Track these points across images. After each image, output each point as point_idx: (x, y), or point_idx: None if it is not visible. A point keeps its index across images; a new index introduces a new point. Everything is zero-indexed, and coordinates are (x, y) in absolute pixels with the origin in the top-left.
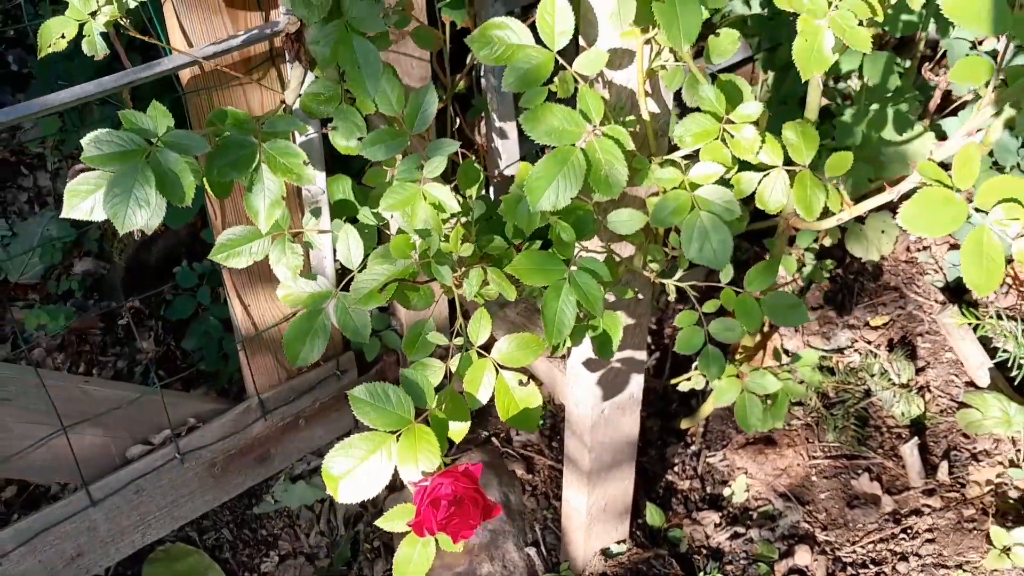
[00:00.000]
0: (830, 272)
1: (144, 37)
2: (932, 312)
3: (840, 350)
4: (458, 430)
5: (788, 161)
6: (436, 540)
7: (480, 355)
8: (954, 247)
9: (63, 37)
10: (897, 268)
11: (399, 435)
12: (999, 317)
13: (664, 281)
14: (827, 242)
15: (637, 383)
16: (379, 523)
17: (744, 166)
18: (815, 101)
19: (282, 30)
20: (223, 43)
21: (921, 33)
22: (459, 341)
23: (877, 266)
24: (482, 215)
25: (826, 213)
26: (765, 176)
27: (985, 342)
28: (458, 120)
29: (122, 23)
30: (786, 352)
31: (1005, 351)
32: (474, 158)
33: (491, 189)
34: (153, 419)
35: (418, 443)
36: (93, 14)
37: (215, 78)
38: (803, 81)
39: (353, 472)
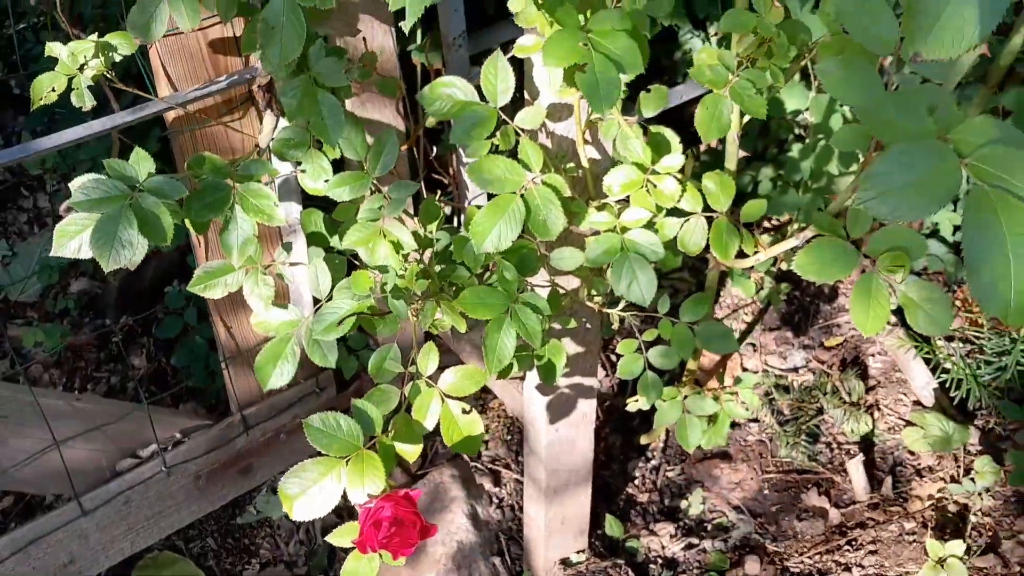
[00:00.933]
0: (787, 295)
1: (129, 89)
2: (883, 333)
3: (795, 369)
4: (411, 451)
5: (708, 208)
6: (380, 555)
7: (429, 385)
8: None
9: (53, 90)
10: (851, 291)
11: (349, 460)
12: (948, 339)
13: (608, 311)
14: (784, 266)
15: (589, 404)
16: (329, 539)
17: (673, 210)
18: (733, 154)
19: (260, 73)
20: (204, 88)
21: None
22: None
23: (833, 288)
24: (447, 244)
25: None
26: (686, 222)
27: (938, 363)
28: (435, 150)
29: (108, 76)
30: (745, 371)
31: (946, 370)
32: (439, 194)
33: (461, 218)
34: (142, 434)
35: (365, 468)
36: (81, 68)
37: (198, 117)
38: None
39: (307, 493)
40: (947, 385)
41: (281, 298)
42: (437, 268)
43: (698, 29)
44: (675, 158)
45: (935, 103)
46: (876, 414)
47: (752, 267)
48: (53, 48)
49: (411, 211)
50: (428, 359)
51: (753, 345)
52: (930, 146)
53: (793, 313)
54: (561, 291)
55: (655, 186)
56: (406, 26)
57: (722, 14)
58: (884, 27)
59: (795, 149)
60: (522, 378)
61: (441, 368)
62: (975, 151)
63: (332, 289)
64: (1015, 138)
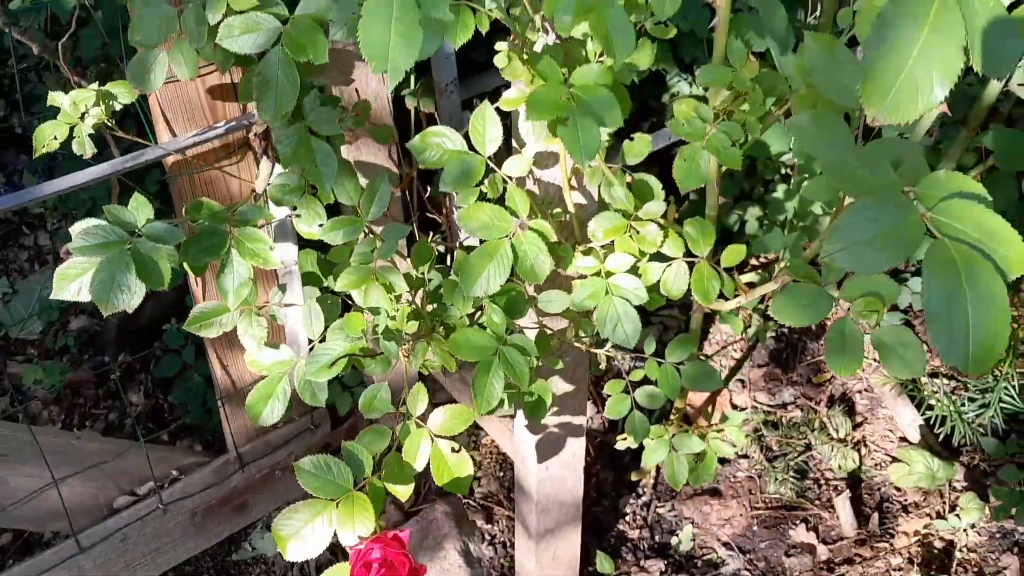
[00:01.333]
0: (775, 332)
1: (128, 137)
2: (868, 370)
3: (784, 405)
4: (402, 491)
5: (690, 252)
6: None
7: (418, 425)
8: (892, 309)
9: (55, 138)
10: None
11: (339, 502)
12: (933, 376)
13: (596, 351)
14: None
15: (579, 443)
16: None
17: (657, 254)
18: (713, 200)
19: (256, 120)
20: (203, 134)
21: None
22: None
23: (820, 326)
24: (439, 284)
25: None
26: (668, 266)
27: (923, 399)
28: (428, 190)
29: (108, 124)
30: (734, 407)
31: (930, 407)
32: (432, 233)
33: (453, 257)
34: (139, 471)
35: (355, 510)
36: (82, 116)
37: (196, 163)
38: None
39: (299, 534)
40: (932, 422)
41: (277, 337)
42: (429, 308)
43: (685, 72)
44: (657, 204)
45: (901, 156)
46: (863, 450)
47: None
48: (55, 97)
49: (405, 251)
50: (417, 400)
51: (742, 381)
52: (893, 200)
53: (781, 350)
54: (549, 332)
55: (638, 231)
56: (388, 87)
57: (708, 57)
58: (853, 82)
59: (780, 190)
60: (512, 416)
61: (434, 404)
62: (937, 204)
63: (325, 329)
64: (976, 192)
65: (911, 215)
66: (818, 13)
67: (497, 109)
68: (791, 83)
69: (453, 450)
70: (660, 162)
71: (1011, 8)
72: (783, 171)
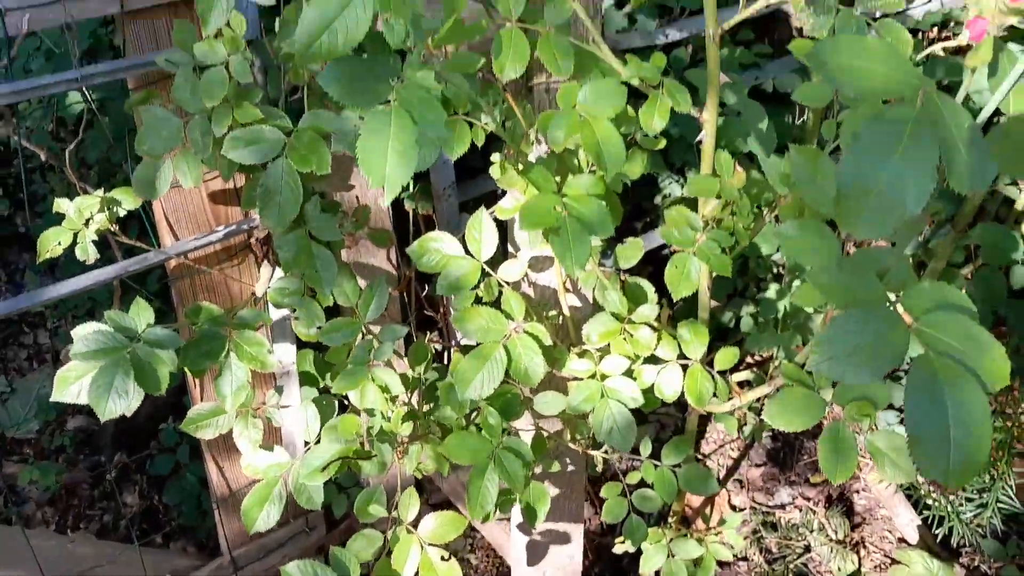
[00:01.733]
0: (771, 431)
1: (131, 242)
2: (865, 470)
3: (782, 506)
4: None
5: (684, 355)
6: None
7: (409, 531)
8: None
9: (59, 244)
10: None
11: None
12: None
13: (592, 453)
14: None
15: (576, 547)
16: None
17: (650, 356)
18: (705, 303)
19: (257, 225)
20: (204, 237)
21: None
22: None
23: (818, 424)
24: (435, 381)
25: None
26: (662, 369)
27: (920, 499)
28: (426, 288)
29: (112, 229)
30: (733, 508)
31: (928, 506)
32: (430, 332)
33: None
34: (133, 575)
35: None
36: (86, 223)
37: (198, 267)
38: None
39: None
40: (930, 521)
41: (273, 438)
42: (425, 407)
43: (676, 174)
44: (650, 308)
45: (887, 265)
46: (862, 551)
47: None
48: (61, 204)
49: (402, 350)
50: (409, 505)
51: (740, 481)
52: (878, 312)
53: (779, 449)
54: (545, 434)
55: (632, 335)
56: (385, 201)
57: (698, 160)
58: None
59: (772, 289)
60: (508, 518)
61: (432, 505)
62: (923, 316)
63: (321, 430)
64: (962, 305)
65: (896, 327)
66: (805, 116)
67: (493, 216)
68: (777, 188)
69: (443, 558)
70: (653, 261)
71: (986, 130)
72: (775, 270)
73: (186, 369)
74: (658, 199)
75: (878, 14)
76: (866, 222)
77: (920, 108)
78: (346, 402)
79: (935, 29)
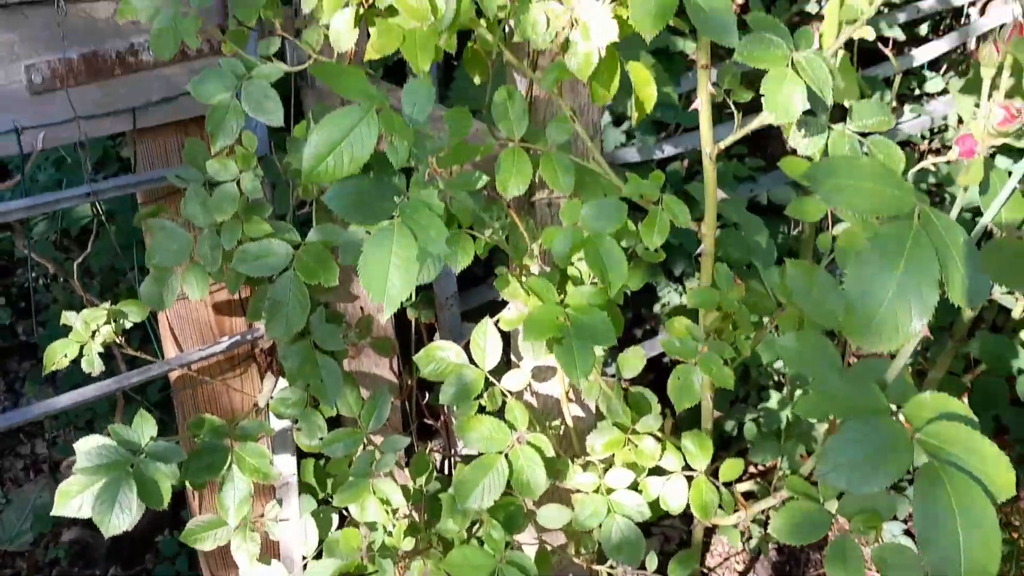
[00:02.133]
0: (777, 543)
1: (136, 353)
2: None
3: None
4: None
5: (688, 466)
6: None
7: None
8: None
9: (65, 356)
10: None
11: None
12: None
13: (597, 568)
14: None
15: None
16: None
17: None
18: (708, 413)
19: (261, 335)
20: (208, 348)
21: None
22: None
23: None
24: (437, 491)
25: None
26: (667, 481)
27: None
28: (427, 396)
29: (118, 341)
30: None
31: None
32: (430, 441)
33: (451, 463)
34: None
35: None
36: (93, 335)
37: (200, 378)
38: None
39: None
40: None
41: (271, 551)
42: (426, 518)
43: (676, 283)
44: (654, 418)
45: (887, 376)
46: None
47: None
48: (68, 317)
49: (403, 460)
50: None
51: None
52: (881, 423)
53: (784, 562)
54: (549, 548)
55: (636, 445)
56: (384, 316)
57: (697, 269)
58: (834, 306)
59: (774, 398)
60: None
61: None
62: (925, 426)
63: (320, 544)
64: (962, 414)
65: (900, 437)
66: (800, 228)
67: (497, 325)
68: (776, 298)
69: None
70: (654, 368)
71: (978, 244)
72: (776, 378)
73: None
74: (657, 307)
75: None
76: (875, 336)
77: (918, 224)
78: (345, 513)
79: (925, 142)
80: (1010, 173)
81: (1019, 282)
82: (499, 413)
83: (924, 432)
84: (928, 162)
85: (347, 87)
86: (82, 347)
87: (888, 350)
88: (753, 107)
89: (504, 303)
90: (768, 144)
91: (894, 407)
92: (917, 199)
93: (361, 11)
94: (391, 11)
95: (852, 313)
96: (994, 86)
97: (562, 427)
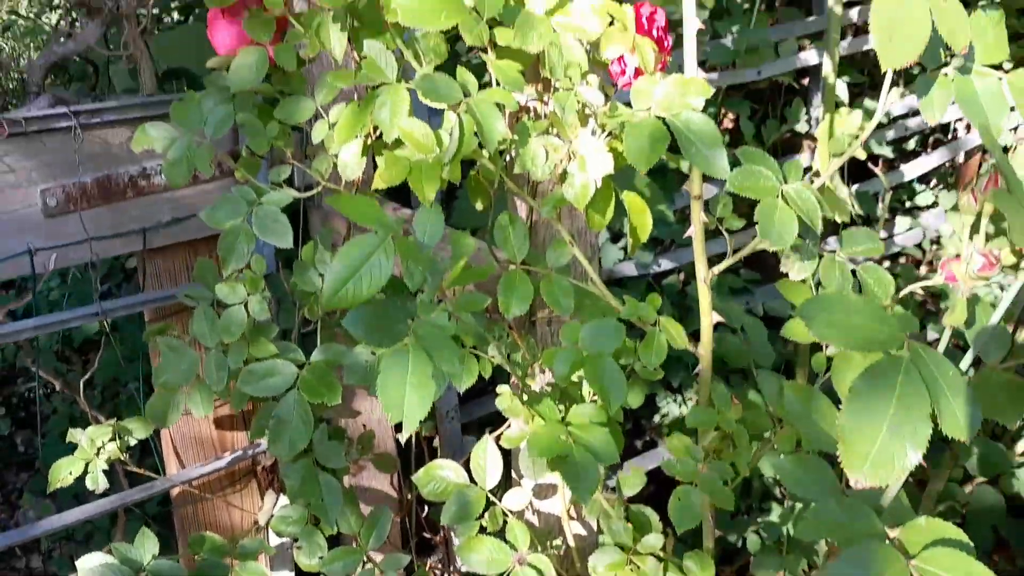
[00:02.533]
0: None
1: (140, 471)
2: None
3: None
4: None
5: None
6: None
7: None
8: None
9: (71, 474)
10: None
11: None
12: None
13: None
14: None
15: None
16: None
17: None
18: (709, 532)
19: (262, 451)
20: (210, 464)
21: None
22: None
23: None
24: None
25: None
26: None
27: None
28: (426, 510)
29: (122, 458)
30: None
31: None
32: (430, 559)
33: None
34: None
35: None
36: (98, 452)
37: (201, 495)
38: None
39: None
40: None
41: None
42: None
43: (674, 394)
44: (656, 537)
45: (883, 502)
46: None
47: None
48: (74, 434)
49: None
50: None
51: None
52: (878, 549)
53: None
54: None
55: (638, 566)
56: (404, 435)
57: (695, 380)
58: (831, 428)
59: (775, 511)
60: None
61: None
62: (921, 552)
63: None
64: (957, 539)
65: (897, 563)
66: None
67: (498, 443)
68: (774, 414)
69: None
70: (654, 480)
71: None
72: (777, 491)
73: None
74: (656, 418)
75: (861, 259)
76: (872, 471)
77: (908, 360)
78: None
79: (920, 251)
80: (994, 306)
81: (1007, 416)
82: (500, 533)
83: (920, 558)
84: (917, 285)
85: (363, 215)
86: (87, 464)
87: (885, 483)
88: (748, 222)
89: (503, 417)
90: (762, 257)
91: (891, 532)
92: (905, 335)
93: (368, 142)
94: (397, 143)
95: (848, 446)
96: (974, 230)
97: (563, 546)
